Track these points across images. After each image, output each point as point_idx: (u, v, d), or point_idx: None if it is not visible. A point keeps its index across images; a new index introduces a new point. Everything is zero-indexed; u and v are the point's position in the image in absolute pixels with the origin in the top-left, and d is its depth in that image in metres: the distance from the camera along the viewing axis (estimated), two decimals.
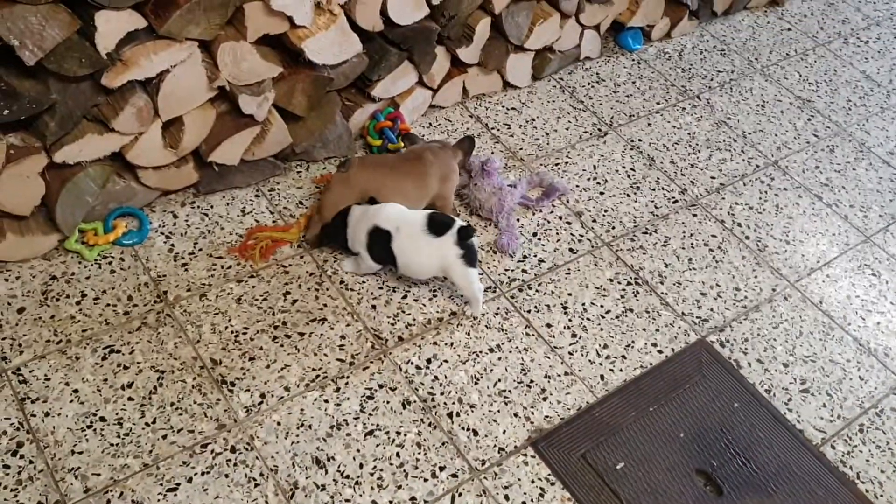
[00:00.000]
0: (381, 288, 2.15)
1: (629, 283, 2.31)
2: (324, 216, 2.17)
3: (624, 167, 2.67)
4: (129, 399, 1.82)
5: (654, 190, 2.61)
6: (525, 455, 1.88)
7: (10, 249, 2.03)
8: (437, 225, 2.02)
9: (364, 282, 2.15)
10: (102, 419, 1.78)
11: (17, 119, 1.82)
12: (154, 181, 2.16)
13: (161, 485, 1.69)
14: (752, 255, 2.47)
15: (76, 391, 1.82)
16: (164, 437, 1.77)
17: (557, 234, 2.41)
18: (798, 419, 2.08)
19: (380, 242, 2.04)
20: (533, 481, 1.83)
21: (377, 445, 1.83)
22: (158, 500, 1.66)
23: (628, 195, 2.58)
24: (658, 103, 2.97)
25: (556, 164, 2.63)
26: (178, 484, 1.70)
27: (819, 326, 2.32)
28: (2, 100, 1.76)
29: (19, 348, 1.89)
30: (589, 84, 2.99)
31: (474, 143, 2.38)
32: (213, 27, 1.95)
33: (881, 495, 1.96)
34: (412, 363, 2.00)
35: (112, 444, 1.74)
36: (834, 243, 2.57)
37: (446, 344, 2.05)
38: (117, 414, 1.79)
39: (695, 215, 2.56)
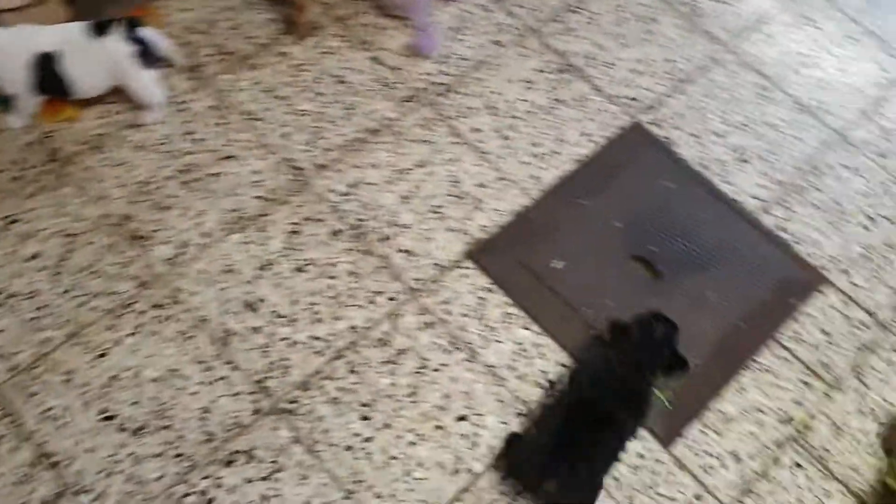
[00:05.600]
0: (288, 113, 2.00)
1: (558, 72, 2.18)
2: None
3: None
4: (40, 270, 1.72)
5: None
6: (463, 268, 1.84)
7: None
8: (100, 25, 1.77)
9: (270, 109, 2.00)
10: (13, 296, 1.69)
11: None
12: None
13: (88, 352, 1.64)
14: (687, 22, 2.33)
15: None
16: (83, 304, 1.69)
17: (479, 25, 2.23)
18: (735, 191, 2.05)
19: (48, 69, 1.76)
20: (472, 292, 1.81)
21: (309, 280, 1.77)
22: (91, 368, 1.62)
23: None
24: None
25: None
26: (107, 349, 1.65)
27: (755, 90, 2.24)
28: None
29: None
30: None
31: None
32: None
33: (818, 254, 1.98)
34: (336, 191, 1.90)
35: (30, 319, 1.66)
36: None
37: (370, 165, 1.95)
38: (30, 287, 1.70)
39: None
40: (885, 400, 1.81)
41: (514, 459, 1.60)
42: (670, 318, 1.64)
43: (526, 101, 2.11)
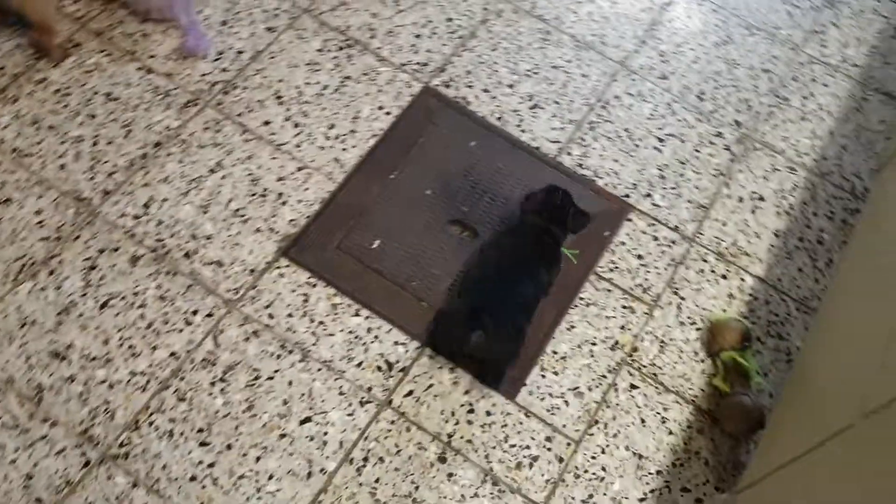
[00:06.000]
0: (63, 142, 1.86)
1: (340, 48, 2.14)
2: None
3: None
4: None
5: None
6: (279, 267, 1.79)
7: None
8: None
9: (40, 141, 1.85)
10: None
11: None
12: None
13: None
14: None
15: None
16: None
17: (249, 14, 2.15)
18: (533, 137, 2.10)
19: None
20: (294, 290, 1.77)
21: (116, 315, 1.68)
22: None
23: None
24: None
25: None
26: None
27: (536, 35, 2.29)
28: None
29: None
30: None
31: None
32: None
33: (619, 184, 2.07)
34: (128, 214, 1.80)
35: None
36: None
37: (160, 181, 1.85)
38: None
39: None
40: (698, 306, 1.93)
41: (441, 329, 1.75)
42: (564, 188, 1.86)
43: (313, 84, 2.07)
